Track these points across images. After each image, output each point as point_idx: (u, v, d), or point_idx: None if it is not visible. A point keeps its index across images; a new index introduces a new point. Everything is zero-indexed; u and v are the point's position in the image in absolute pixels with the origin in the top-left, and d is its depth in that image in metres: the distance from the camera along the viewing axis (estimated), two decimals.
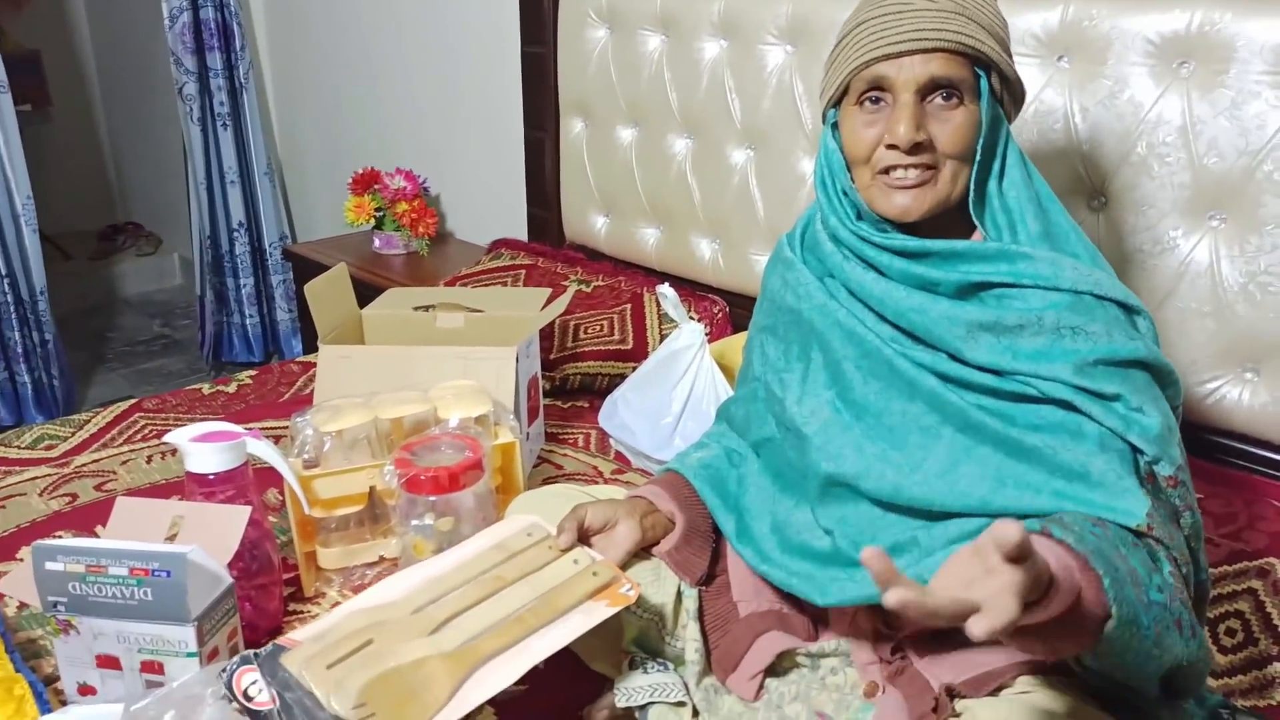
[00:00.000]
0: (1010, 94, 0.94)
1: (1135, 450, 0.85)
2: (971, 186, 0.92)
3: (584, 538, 0.99)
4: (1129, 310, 0.91)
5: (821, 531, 0.95)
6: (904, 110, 0.89)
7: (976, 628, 0.57)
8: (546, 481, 1.40)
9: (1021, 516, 0.80)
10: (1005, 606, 0.58)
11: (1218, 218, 1.22)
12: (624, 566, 0.98)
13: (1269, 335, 1.19)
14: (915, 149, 0.89)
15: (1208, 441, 1.28)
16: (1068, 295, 0.89)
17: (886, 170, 0.91)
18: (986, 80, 0.91)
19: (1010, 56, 0.93)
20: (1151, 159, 1.24)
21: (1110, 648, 0.69)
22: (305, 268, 2.42)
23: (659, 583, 1.01)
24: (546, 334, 1.69)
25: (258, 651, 0.81)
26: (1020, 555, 0.59)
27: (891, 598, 0.57)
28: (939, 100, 0.90)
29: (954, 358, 0.90)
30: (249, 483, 1.08)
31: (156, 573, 0.89)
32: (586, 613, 0.90)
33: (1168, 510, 0.85)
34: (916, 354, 0.92)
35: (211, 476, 1.05)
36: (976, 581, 0.61)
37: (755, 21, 1.62)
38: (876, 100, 0.92)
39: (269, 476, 1.18)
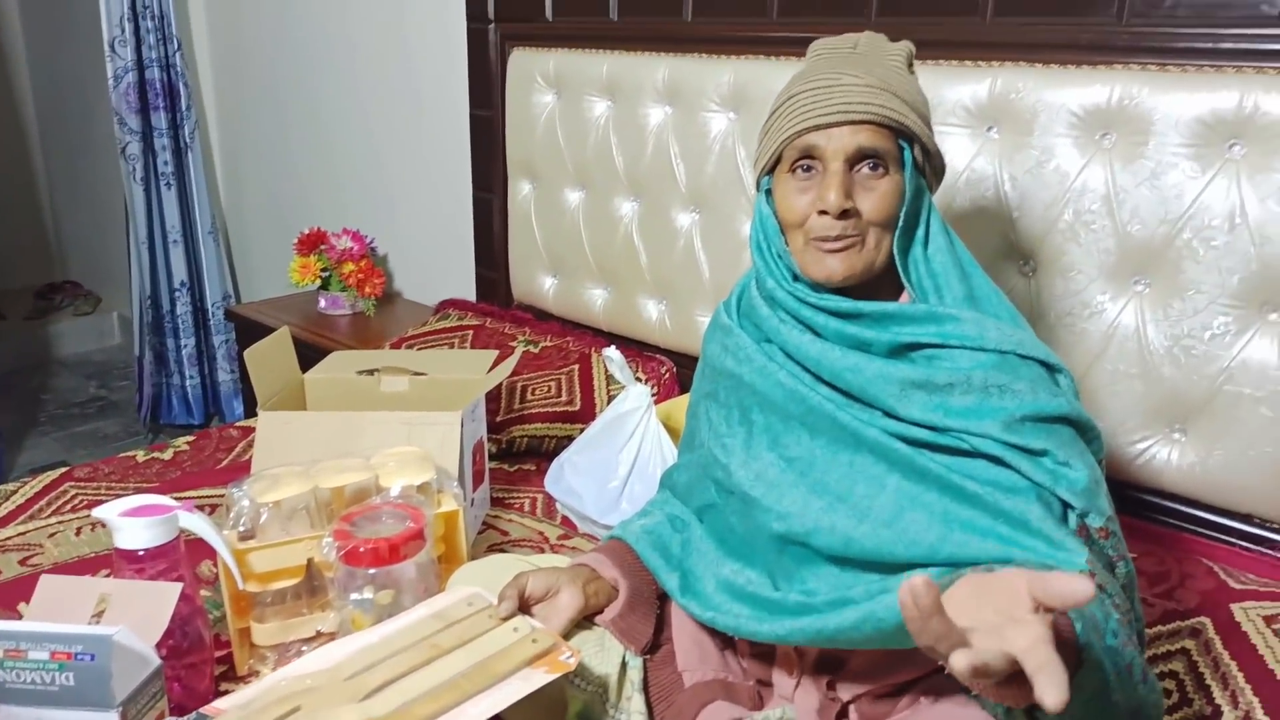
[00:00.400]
0: (931, 166, 0.99)
1: (1065, 504, 0.88)
2: (896, 251, 0.96)
3: (525, 607, 0.98)
4: (1050, 368, 0.95)
5: (771, 586, 0.96)
6: (834, 178, 0.93)
7: (1050, 699, 0.58)
8: (492, 548, 1.38)
9: (969, 563, 0.82)
10: (1057, 666, 0.59)
11: (1142, 283, 1.26)
12: (567, 635, 0.97)
13: (1194, 397, 1.23)
14: (843, 215, 0.93)
15: (1139, 500, 1.31)
16: (993, 355, 0.92)
17: (817, 238, 0.95)
18: (910, 152, 0.95)
19: (931, 131, 0.98)
20: (1078, 226, 1.28)
21: (1078, 694, 0.70)
22: (248, 329, 2.39)
23: (603, 654, 1.00)
24: (493, 396, 1.68)
25: None
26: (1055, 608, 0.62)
27: (960, 662, 0.58)
28: (866, 170, 0.94)
29: (889, 415, 0.93)
30: (181, 557, 1.05)
31: (80, 656, 0.86)
32: (524, 679, 0.89)
33: (1103, 561, 0.87)
34: (854, 411, 0.94)
35: (141, 553, 1.01)
36: (1005, 631, 0.61)
37: (698, 89, 1.66)
38: (808, 169, 0.95)
39: (204, 548, 1.15)
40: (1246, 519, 1.25)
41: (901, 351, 0.95)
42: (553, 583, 0.98)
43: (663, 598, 1.04)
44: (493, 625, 0.94)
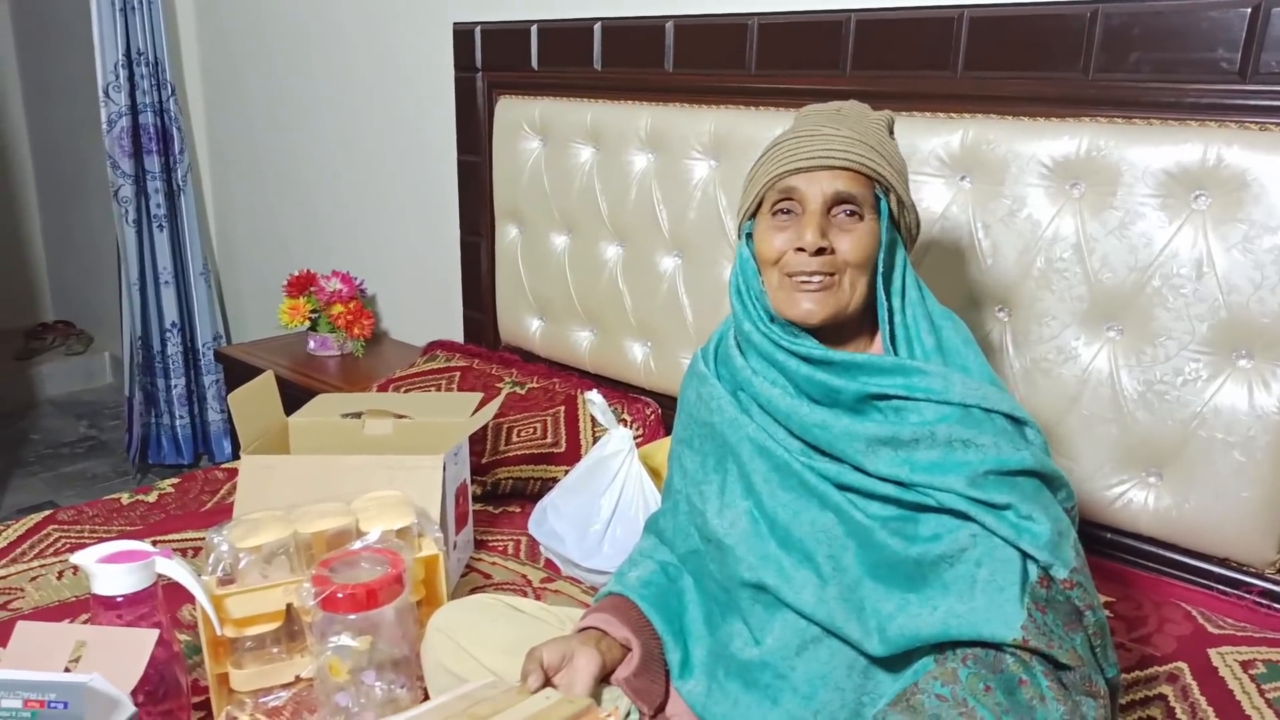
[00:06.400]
0: (907, 222, 1.02)
1: (1029, 556, 0.88)
2: (880, 300, 0.98)
3: (547, 678, 0.99)
4: (1016, 421, 0.96)
5: (751, 639, 0.98)
6: (812, 218, 0.96)
7: None
8: (475, 591, 1.38)
9: (916, 645, 0.87)
10: None
11: (1114, 329, 1.28)
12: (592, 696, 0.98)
13: (1168, 441, 1.24)
14: (819, 252, 0.96)
15: (1116, 544, 1.31)
16: (957, 408, 0.94)
17: (793, 274, 0.97)
18: (886, 201, 0.98)
19: (907, 190, 1.01)
20: (1050, 273, 1.31)
21: None
22: (238, 369, 2.40)
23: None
24: (478, 437, 1.68)
25: None
26: None
27: None
28: (842, 215, 0.97)
29: (857, 469, 0.95)
30: (159, 603, 1.05)
31: (52, 704, 0.85)
32: None
33: (1065, 612, 0.88)
34: (823, 466, 0.96)
35: (119, 599, 1.01)
36: None
37: (680, 137, 1.69)
38: (787, 211, 0.99)
39: (185, 592, 1.14)
40: (1224, 563, 1.25)
41: (869, 401, 0.97)
42: (566, 649, 0.99)
43: None
44: (524, 697, 0.95)
